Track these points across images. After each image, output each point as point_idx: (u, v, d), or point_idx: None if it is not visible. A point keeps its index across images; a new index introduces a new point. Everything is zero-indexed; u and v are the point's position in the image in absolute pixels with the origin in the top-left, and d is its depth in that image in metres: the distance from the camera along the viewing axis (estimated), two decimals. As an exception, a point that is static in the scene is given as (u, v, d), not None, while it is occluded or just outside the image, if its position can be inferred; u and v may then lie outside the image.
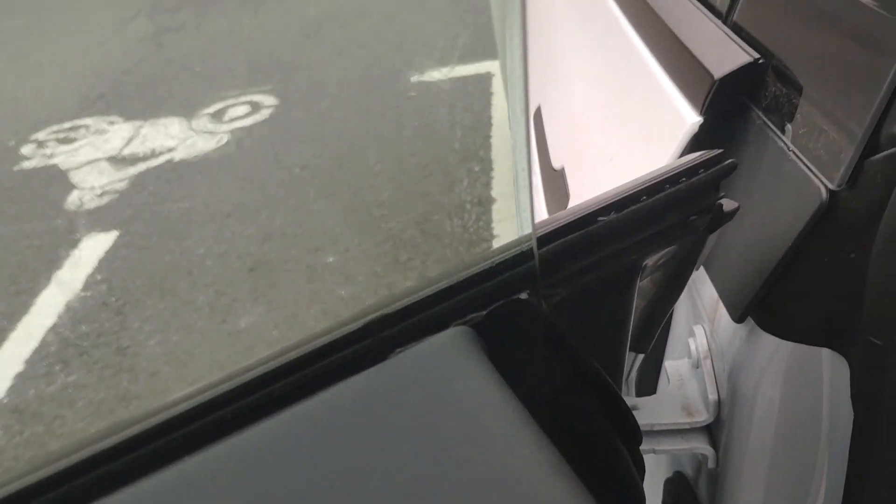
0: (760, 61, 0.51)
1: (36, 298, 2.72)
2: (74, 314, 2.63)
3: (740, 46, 0.53)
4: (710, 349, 0.62)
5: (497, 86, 3.62)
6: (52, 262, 2.90)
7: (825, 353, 0.50)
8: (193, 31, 4.86)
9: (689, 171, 0.41)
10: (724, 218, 0.45)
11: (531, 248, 0.36)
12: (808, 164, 0.45)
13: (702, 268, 0.60)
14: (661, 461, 0.77)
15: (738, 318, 0.53)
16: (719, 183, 0.43)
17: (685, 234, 0.45)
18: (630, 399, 0.65)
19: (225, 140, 3.57)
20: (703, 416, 0.62)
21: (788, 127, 0.48)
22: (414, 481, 0.30)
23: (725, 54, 0.53)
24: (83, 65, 4.64)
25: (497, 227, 2.71)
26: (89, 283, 2.77)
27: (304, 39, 4.51)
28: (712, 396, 0.61)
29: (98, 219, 3.13)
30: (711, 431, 0.64)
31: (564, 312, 0.41)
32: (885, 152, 0.39)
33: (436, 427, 0.31)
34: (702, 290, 0.61)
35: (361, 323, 0.34)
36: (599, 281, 0.42)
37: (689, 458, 0.70)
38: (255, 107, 3.82)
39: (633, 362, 0.72)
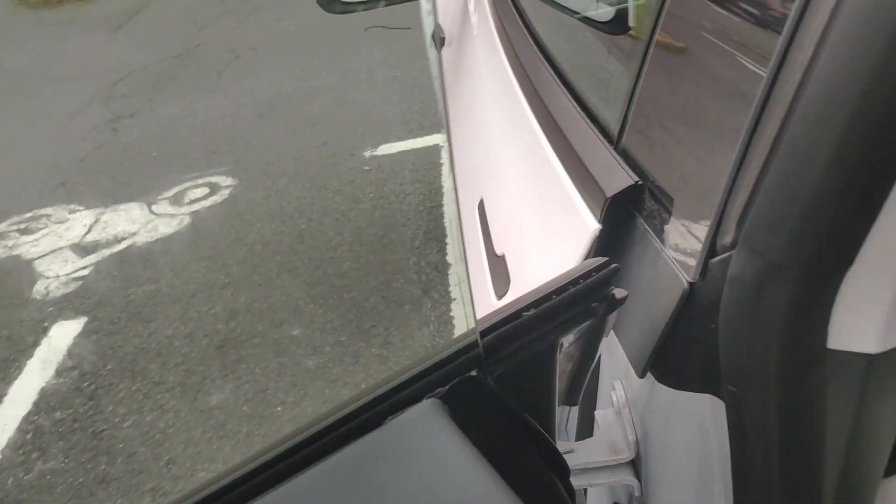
0: (639, 183, 0.68)
1: (9, 388, 2.77)
2: (48, 402, 2.69)
3: (625, 170, 0.70)
4: (627, 399, 0.78)
5: (445, 157, 3.82)
6: (22, 351, 2.96)
7: (706, 397, 0.66)
8: (148, 116, 5.01)
9: (586, 275, 0.57)
10: (616, 304, 0.62)
11: (476, 339, 0.51)
12: (675, 264, 0.62)
13: (613, 333, 0.76)
14: (602, 494, 0.92)
15: (641, 374, 0.68)
16: (609, 280, 0.59)
17: (589, 317, 0.61)
18: (569, 444, 0.80)
19: (186, 222, 3.69)
20: (625, 454, 0.77)
21: (664, 237, 0.64)
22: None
23: (615, 176, 0.70)
24: (40, 154, 4.73)
25: (454, 290, 2.86)
26: (61, 370, 2.84)
27: (258, 120, 4.69)
28: (631, 437, 0.76)
29: (65, 306, 3.20)
30: (635, 465, 0.80)
31: (505, 383, 0.57)
32: (720, 256, 0.56)
33: (422, 471, 0.45)
34: (617, 353, 0.77)
35: (361, 402, 0.49)
36: (528, 358, 0.58)
37: (622, 489, 0.85)
38: (214, 188, 3.95)
39: (569, 414, 0.87)
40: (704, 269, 0.58)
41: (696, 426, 0.68)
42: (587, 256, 0.74)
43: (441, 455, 0.45)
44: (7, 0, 8.95)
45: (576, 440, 0.90)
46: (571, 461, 0.78)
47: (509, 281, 0.91)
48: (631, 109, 0.72)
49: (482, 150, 1.24)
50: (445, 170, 3.70)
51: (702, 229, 0.58)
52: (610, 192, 0.68)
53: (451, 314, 2.76)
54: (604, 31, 0.86)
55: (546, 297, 0.55)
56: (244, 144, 4.40)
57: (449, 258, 3.07)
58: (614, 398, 0.79)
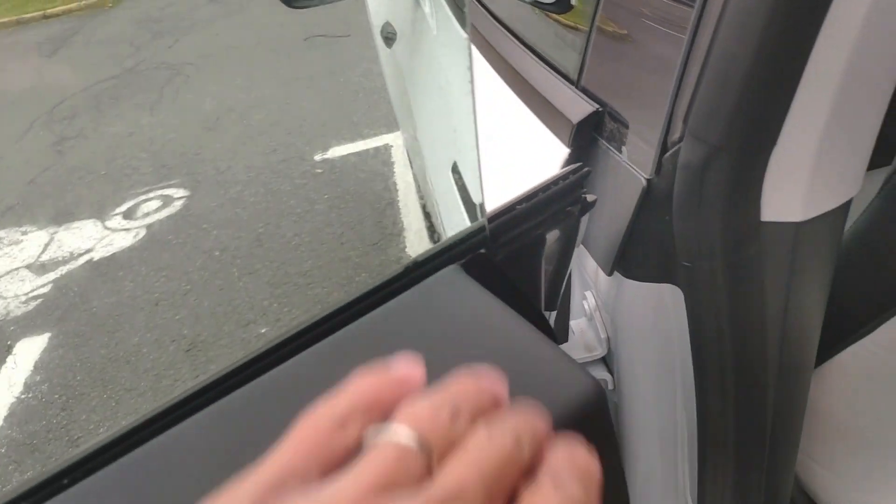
0: (599, 109, 0.80)
1: (-23, 406, 2.77)
2: (20, 416, 2.70)
3: (586, 101, 0.82)
4: (598, 305, 0.90)
5: (397, 155, 3.93)
6: (-13, 369, 2.95)
7: (666, 287, 0.78)
8: (93, 136, 4.99)
9: (564, 176, 0.69)
10: (588, 206, 0.73)
11: (484, 224, 0.62)
12: (634, 167, 0.74)
13: (583, 247, 0.88)
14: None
15: (609, 272, 0.80)
16: (583, 183, 0.71)
17: (566, 218, 0.72)
18: (550, 350, 0.92)
19: (142, 235, 3.72)
20: (598, 351, 0.89)
21: (622, 148, 0.76)
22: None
23: (578, 107, 0.82)
24: (-17, 180, 4.68)
25: (415, 280, 2.97)
26: (29, 385, 2.85)
27: (204, 132, 4.72)
28: (602, 335, 0.88)
29: (28, 324, 3.20)
30: (607, 362, 0.92)
31: (505, 267, 0.68)
32: (671, 150, 0.68)
33: (459, 319, 0.55)
34: (586, 264, 0.89)
35: (381, 281, 0.59)
36: (521, 248, 0.69)
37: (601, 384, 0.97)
38: (167, 200, 3.98)
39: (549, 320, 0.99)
40: (658, 166, 0.70)
41: (659, 315, 0.80)
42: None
43: (476, 305, 0.55)
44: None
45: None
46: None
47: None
48: (587, 54, 0.84)
49: (450, 123, 1.35)
50: (398, 168, 3.80)
51: (654, 133, 0.70)
52: (575, 120, 0.80)
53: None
54: (553, 12, 0.99)
55: (534, 194, 0.66)
56: (193, 157, 4.43)
57: (409, 251, 3.17)
58: (586, 306, 0.91)
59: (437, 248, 0.62)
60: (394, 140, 4.08)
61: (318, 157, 4.11)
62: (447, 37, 1.54)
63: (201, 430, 0.47)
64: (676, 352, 0.82)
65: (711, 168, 0.64)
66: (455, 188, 1.25)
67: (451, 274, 0.58)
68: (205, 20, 7.28)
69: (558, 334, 0.96)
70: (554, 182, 0.69)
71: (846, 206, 0.72)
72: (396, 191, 3.63)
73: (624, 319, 0.85)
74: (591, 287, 0.91)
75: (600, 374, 0.91)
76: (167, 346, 2.91)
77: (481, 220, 0.63)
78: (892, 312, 0.87)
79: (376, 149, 4.07)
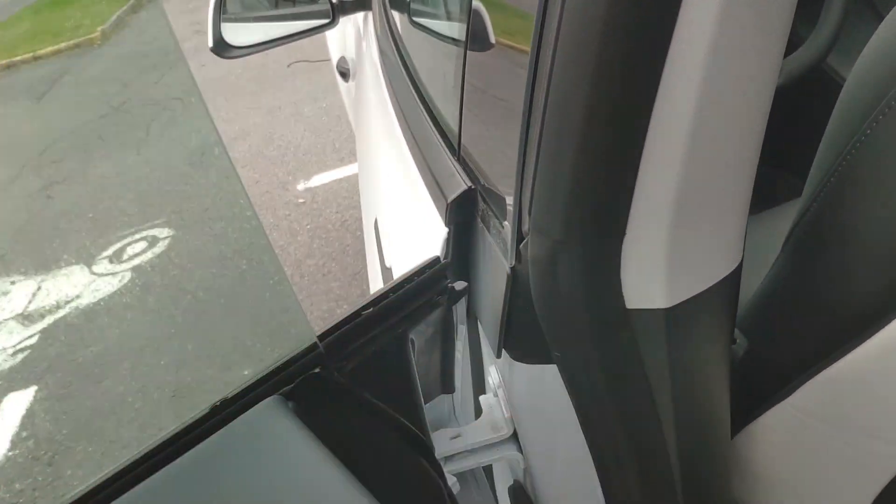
0: (471, 187, 0.77)
1: (-37, 468, 2.76)
2: (7, 474, 2.69)
3: (461, 176, 0.79)
4: (501, 380, 0.87)
5: (376, 181, 3.90)
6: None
7: (551, 367, 0.74)
8: (81, 180, 5.00)
9: (419, 272, 0.65)
10: (457, 295, 0.70)
11: (315, 342, 0.59)
12: (500, 251, 0.70)
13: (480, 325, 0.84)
14: (505, 473, 1.00)
15: (497, 354, 0.77)
16: (444, 274, 0.67)
17: (434, 308, 0.69)
18: (456, 429, 0.88)
19: (127, 278, 3.71)
20: (503, 431, 0.86)
21: (491, 228, 0.73)
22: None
23: (454, 183, 0.78)
24: (-26, 231, 4.70)
25: (395, 311, 2.93)
26: (16, 442, 2.84)
27: (189, 168, 4.72)
28: (507, 414, 0.85)
29: (14, 377, 3.20)
30: (517, 440, 0.88)
31: (359, 377, 0.64)
32: (524, 240, 0.65)
33: (267, 468, 0.52)
34: (486, 342, 0.86)
35: (210, 407, 0.56)
36: (379, 351, 0.65)
37: (515, 464, 0.94)
38: (152, 241, 3.97)
39: (453, 402, 0.95)
40: (518, 254, 0.66)
41: (549, 395, 0.77)
42: (445, 257, 0.82)
43: (284, 450, 0.52)
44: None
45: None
46: (460, 444, 0.86)
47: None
48: (461, 124, 0.81)
49: (375, 173, 1.32)
50: (376, 193, 3.78)
51: (511, 220, 0.66)
52: (450, 198, 0.77)
53: (396, 332, 2.83)
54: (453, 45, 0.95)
55: (384, 296, 0.63)
56: (179, 194, 4.43)
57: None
58: (490, 381, 0.88)
59: (269, 369, 0.59)
60: (374, 165, 4.05)
61: (300, 187, 4.10)
62: (376, 82, 1.51)
63: None
64: (573, 432, 0.79)
65: (559, 262, 0.60)
66: (374, 245, 1.22)
67: (270, 408, 0.55)
68: (190, 52, 7.30)
69: (475, 413, 0.92)
70: (408, 279, 0.66)
71: (731, 276, 0.68)
72: (377, 217, 3.60)
73: (520, 399, 0.82)
74: (494, 362, 0.88)
75: (511, 453, 0.87)
76: (152, 394, 2.89)
77: (312, 339, 0.59)
78: (809, 375, 0.83)
79: (357, 174, 4.04)
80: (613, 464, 0.76)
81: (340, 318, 0.61)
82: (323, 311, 3.07)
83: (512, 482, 0.99)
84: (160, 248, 3.90)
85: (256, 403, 0.54)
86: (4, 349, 3.42)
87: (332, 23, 1.56)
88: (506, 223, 0.70)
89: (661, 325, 0.65)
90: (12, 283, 3.97)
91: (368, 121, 1.55)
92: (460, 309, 0.75)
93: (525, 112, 0.59)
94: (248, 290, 3.35)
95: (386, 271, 1.08)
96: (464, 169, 0.80)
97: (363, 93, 1.76)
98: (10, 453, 2.80)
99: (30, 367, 3.25)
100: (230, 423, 0.54)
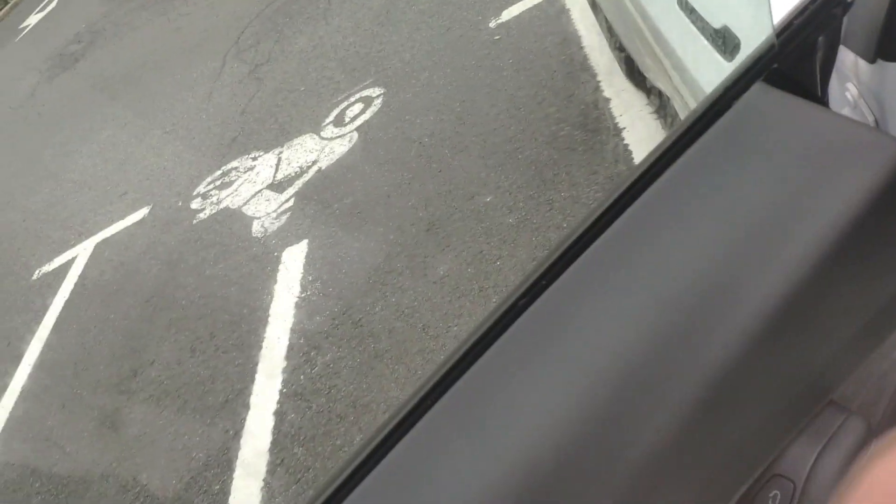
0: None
1: (268, 311, 3.28)
2: (305, 312, 3.17)
3: None
4: (859, 93, 0.98)
5: (569, 2, 3.91)
6: (270, 276, 3.45)
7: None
8: (281, 57, 5.36)
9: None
10: (848, 6, 0.81)
11: (773, 42, 0.73)
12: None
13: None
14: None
15: (872, 59, 0.88)
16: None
17: (832, 20, 0.81)
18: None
19: (355, 138, 4.04)
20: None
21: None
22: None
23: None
24: (200, 121, 5.23)
25: (621, 120, 3.03)
26: (304, 285, 3.31)
27: (379, 28, 4.92)
28: (869, 118, 0.97)
29: (285, 235, 3.66)
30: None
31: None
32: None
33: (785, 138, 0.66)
34: (843, 59, 0.97)
35: (682, 127, 0.72)
36: (801, 56, 0.79)
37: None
38: (367, 101, 4.26)
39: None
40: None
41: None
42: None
43: (797, 120, 0.66)
44: None
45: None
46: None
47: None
48: None
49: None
50: (575, 13, 3.79)
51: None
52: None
53: (626, 143, 2.94)
54: None
55: (804, 7, 0.75)
56: (377, 55, 4.66)
57: (605, 94, 3.23)
58: (848, 96, 0.99)
59: (727, 82, 0.74)
60: (565, -12, 4.03)
61: (492, 24, 4.18)
62: None
63: None
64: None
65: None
66: (686, 20, 1.33)
67: (759, 92, 0.70)
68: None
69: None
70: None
71: None
72: (578, 37, 3.64)
73: (890, 99, 0.93)
74: (850, 79, 0.99)
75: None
76: (409, 230, 3.23)
77: (769, 37, 0.73)
78: None
79: (548, 0, 4.06)
80: None
81: (780, 23, 0.74)
82: (546, 136, 3.22)
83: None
84: (376, 106, 4.18)
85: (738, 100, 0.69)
86: (268, 213, 3.89)
87: None
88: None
89: None
90: (254, 158, 4.44)
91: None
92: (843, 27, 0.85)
93: None
94: (469, 129, 3.56)
95: (715, 32, 1.19)
96: None
97: None
98: (304, 294, 3.27)
99: (296, 224, 3.70)
100: (714, 125, 0.69)
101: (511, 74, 3.74)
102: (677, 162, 0.68)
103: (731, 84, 0.71)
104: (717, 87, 0.71)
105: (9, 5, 12.75)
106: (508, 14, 4.16)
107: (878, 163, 0.57)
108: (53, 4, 11.30)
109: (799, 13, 0.76)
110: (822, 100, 0.78)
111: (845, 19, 0.84)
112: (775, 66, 0.72)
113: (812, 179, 0.60)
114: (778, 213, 0.59)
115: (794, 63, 0.78)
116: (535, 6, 4.08)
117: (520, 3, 4.19)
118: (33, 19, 11.18)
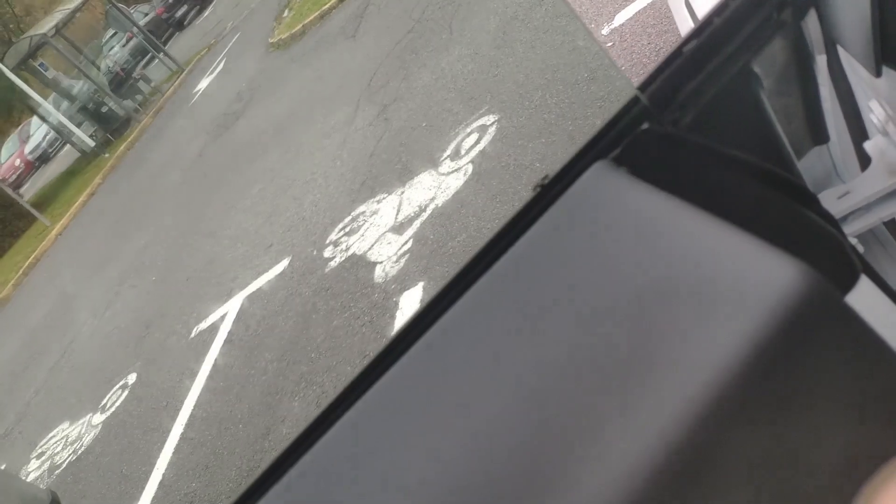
0: None
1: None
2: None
3: None
4: (887, 114, 0.69)
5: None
6: (388, 323, 3.39)
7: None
8: (407, 95, 5.35)
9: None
10: (805, 3, 0.55)
11: (636, 95, 0.50)
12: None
13: (841, 49, 0.67)
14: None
15: (877, 72, 0.60)
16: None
17: (776, 30, 0.55)
18: (840, 188, 0.73)
19: (469, 171, 3.91)
20: (905, 170, 0.68)
21: None
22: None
23: None
24: (335, 168, 5.32)
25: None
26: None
27: (496, 51, 4.77)
28: (905, 144, 0.68)
29: (403, 279, 3.59)
30: (926, 181, 0.70)
31: (703, 129, 0.54)
32: None
33: (602, 228, 0.46)
34: (857, 72, 0.69)
35: (538, 190, 0.51)
36: (720, 94, 0.54)
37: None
38: (482, 130, 4.12)
39: (830, 154, 0.79)
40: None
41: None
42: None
43: (625, 208, 0.45)
44: (264, 47, 10.15)
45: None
46: (850, 202, 0.72)
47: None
48: None
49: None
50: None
51: None
52: None
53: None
54: None
55: (706, 23, 0.52)
56: (492, 79, 4.51)
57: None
58: (875, 119, 0.71)
59: (588, 138, 0.52)
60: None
61: (605, 31, 3.90)
62: None
63: None
64: None
65: None
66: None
67: (598, 174, 0.48)
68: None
69: (860, 159, 0.77)
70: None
71: None
72: (695, 34, 3.28)
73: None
74: (872, 96, 0.71)
75: (917, 198, 0.70)
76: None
77: (633, 92, 0.50)
78: None
79: (662, -2, 3.72)
80: None
81: (658, 64, 0.51)
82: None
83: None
84: (490, 134, 4.03)
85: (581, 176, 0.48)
86: (389, 257, 3.85)
87: None
88: None
89: None
90: (378, 201, 4.43)
91: None
92: (814, 34, 0.59)
93: None
94: (581, 148, 3.31)
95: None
96: None
97: None
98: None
99: (413, 267, 3.62)
100: (556, 201, 0.48)
101: (624, 83, 3.45)
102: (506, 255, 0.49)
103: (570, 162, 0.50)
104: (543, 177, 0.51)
105: (185, 72, 13.99)
106: (619, 20, 3.86)
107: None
108: (221, 66, 12.22)
109: (691, 37, 0.52)
110: (745, 158, 0.53)
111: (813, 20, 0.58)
112: (644, 126, 0.49)
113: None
114: None
115: (706, 108, 0.53)
116: (649, 5, 3.76)
117: (634, 4, 3.88)
118: (204, 83, 12.14)
